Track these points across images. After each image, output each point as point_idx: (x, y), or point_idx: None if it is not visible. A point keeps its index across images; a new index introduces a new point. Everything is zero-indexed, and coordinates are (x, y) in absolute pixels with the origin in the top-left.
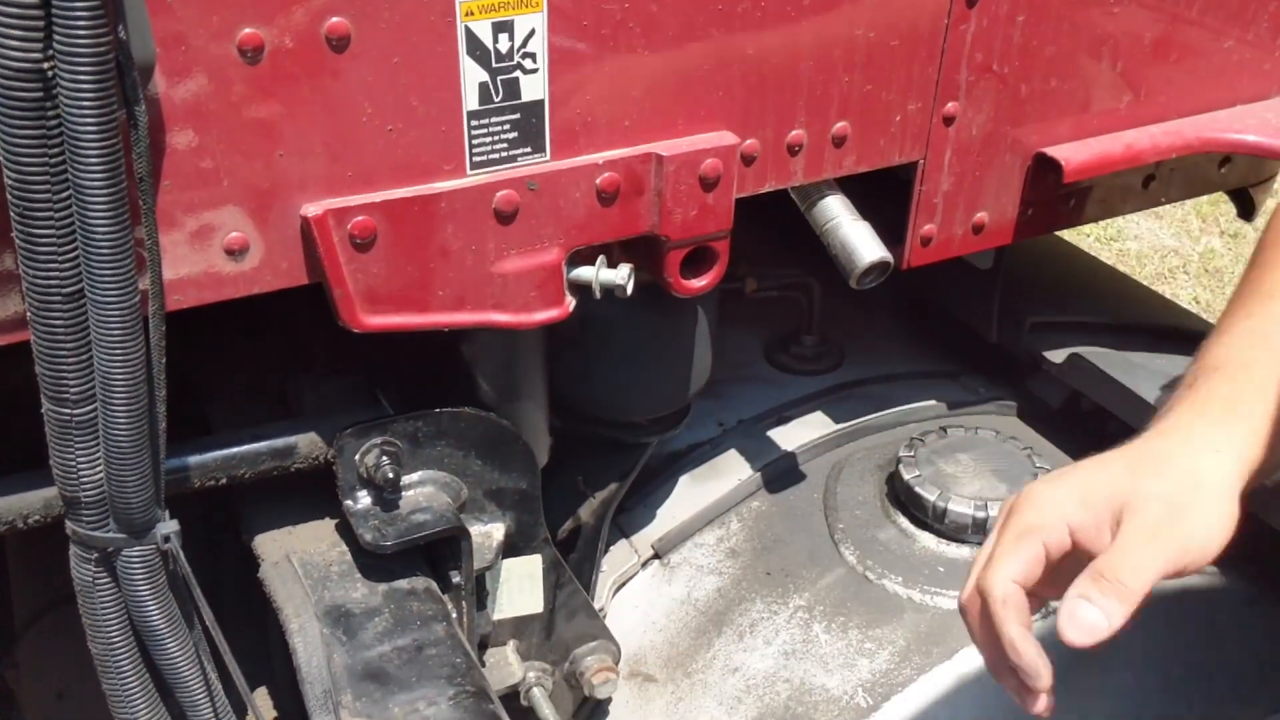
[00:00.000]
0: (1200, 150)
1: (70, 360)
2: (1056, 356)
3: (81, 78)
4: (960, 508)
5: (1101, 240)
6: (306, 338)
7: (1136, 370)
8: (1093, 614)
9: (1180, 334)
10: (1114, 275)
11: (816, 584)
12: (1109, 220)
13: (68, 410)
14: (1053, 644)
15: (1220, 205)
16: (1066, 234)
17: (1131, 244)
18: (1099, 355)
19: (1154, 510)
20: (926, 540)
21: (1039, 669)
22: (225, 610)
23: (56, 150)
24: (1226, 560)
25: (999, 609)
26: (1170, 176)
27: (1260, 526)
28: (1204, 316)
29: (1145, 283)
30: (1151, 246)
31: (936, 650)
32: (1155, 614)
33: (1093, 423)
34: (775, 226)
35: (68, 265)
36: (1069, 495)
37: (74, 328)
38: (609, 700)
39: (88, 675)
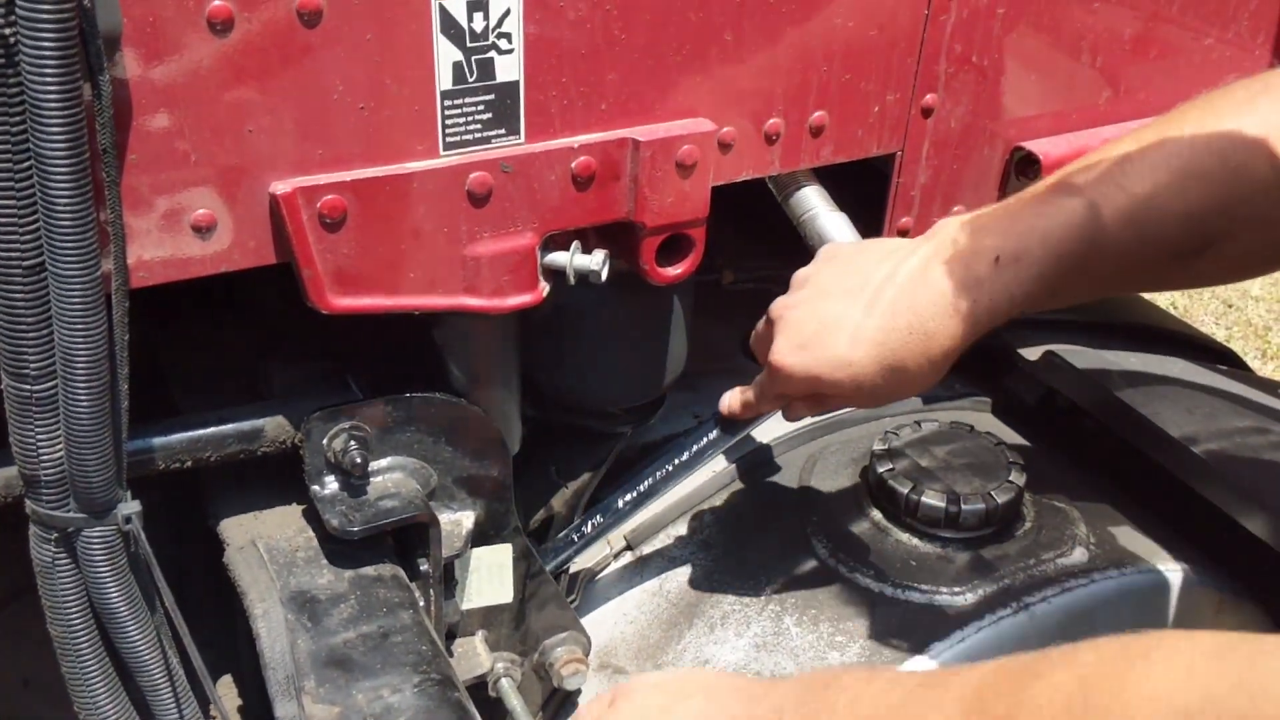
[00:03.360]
0: None
1: (30, 335)
2: (1032, 354)
3: (44, 45)
4: (932, 501)
5: None
6: (275, 320)
7: (1111, 369)
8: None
9: (1156, 334)
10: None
11: (788, 577)
12: None
13: (27, 386)
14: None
15: None
16: None
17: None
18: (1074, 353)
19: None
20: (899, 534)
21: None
22: (189, 595)
23: (18, 119)
24: (1197, 562)
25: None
26: None
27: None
28: (1180, 317)
29: None
30: None
31: (907, 644)
32: (1124, 609)
33: (1067, 420)
34: (752, 218)
35: (28, 237)
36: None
37: (34, 302)
38: (578, 692)
39: (55, 663)
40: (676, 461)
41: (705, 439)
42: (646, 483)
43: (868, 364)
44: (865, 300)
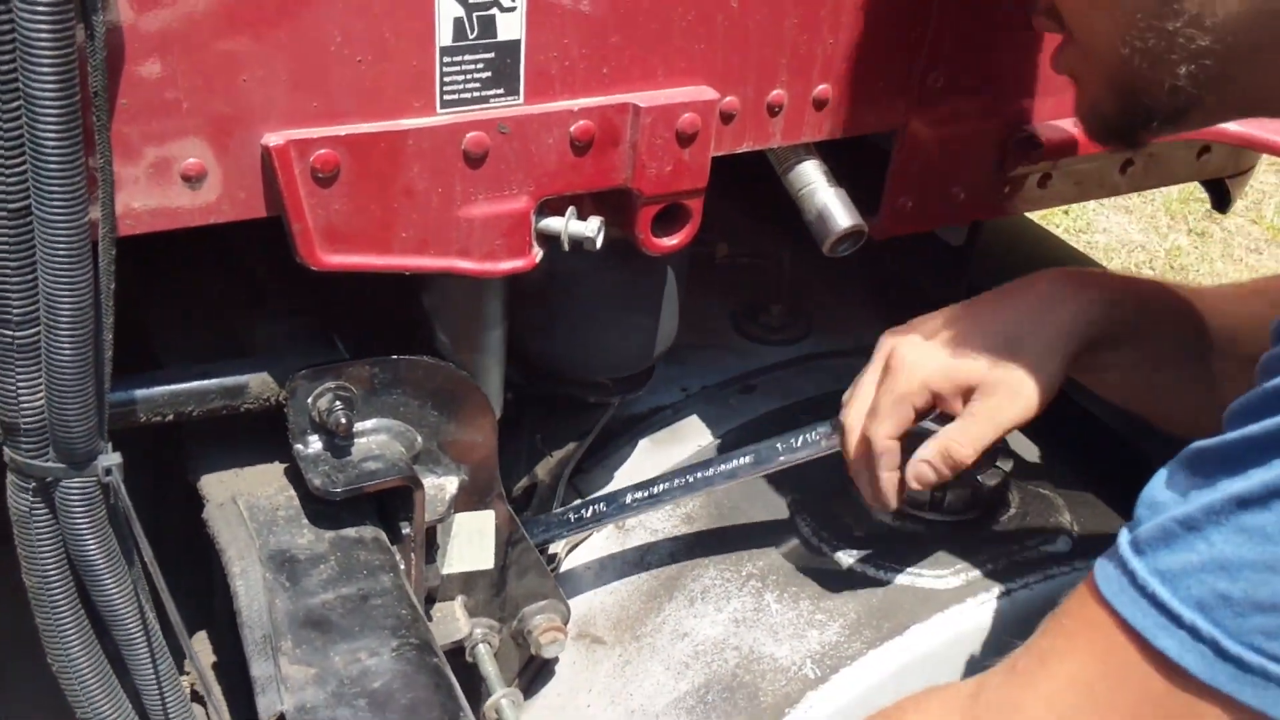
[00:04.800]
0: (1180, 137)
1: (14, 280)
2: None
3: None
4: None
5: (1071, 232)
6: (260, 275)
7: None
8: (929, 473)
9: None
10: (1084, 262)
11: (770, 553)
12: (1080, 212)
13: (9, 332)
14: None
15: (1189, 204)
16: (1038, 220)
17: (1100, 237)
18: None
19: (996, 397)
20: (883, 515)
21: (890, 505)
22: (165, 552)
23: (8, 58)
24: None
25: (880, 458)
26: (1148, 163)
27: None
28: None
29: None
30: (1120, 240)
31: (887, 625)
32: None
33: (1055, 405)
34: (749, 192)
35: (15, 179)
36: (936, 367)
37: (19, 246)
38: (555, 660)
39: (19, 611)
40: (696, 476)
41: (726, 466)
42: (661, 487)
43: None
44: None
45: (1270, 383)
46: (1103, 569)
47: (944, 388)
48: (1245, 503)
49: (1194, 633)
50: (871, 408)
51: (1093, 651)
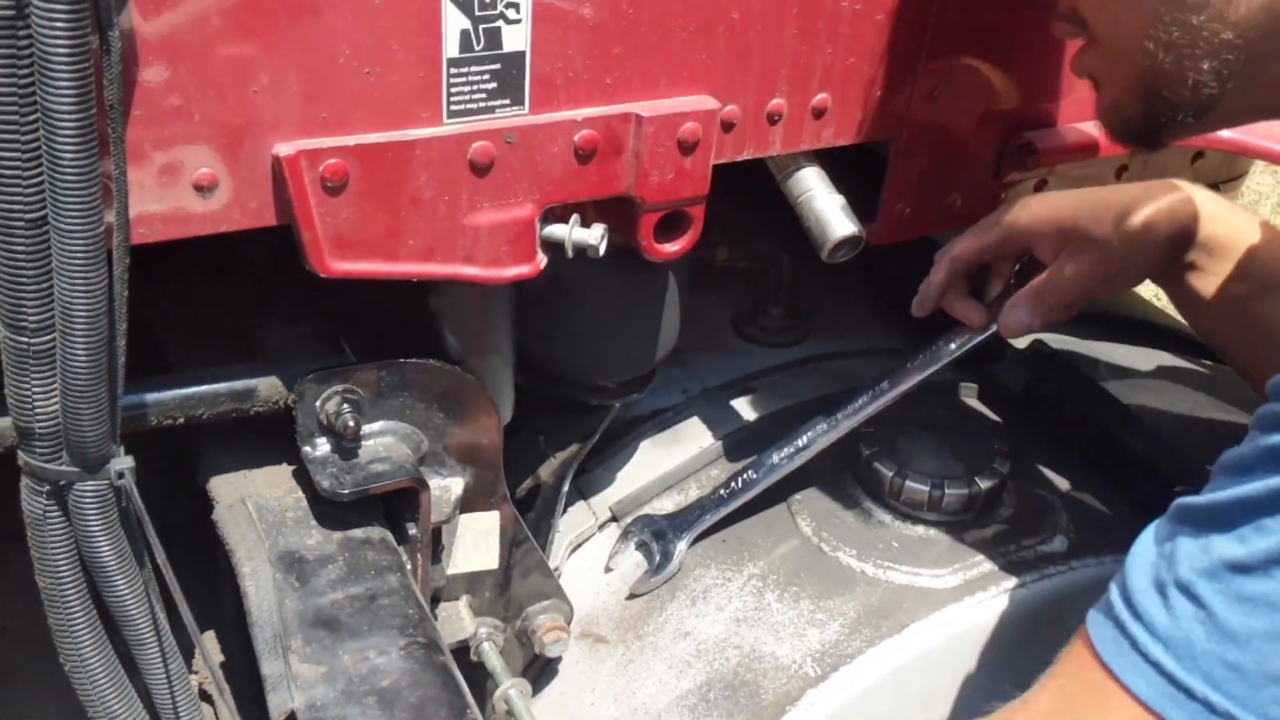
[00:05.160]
0: (1197, 142)
1: (30, 288)
2: (1019, 343)
3: None
4: (916, 484)
5: None
6: (269, 281)
7: (1096, 360)
8: (1024, 317)
9: (1141, 327)
10: None
11: (771, 553)
12: None
13: (25, 339)
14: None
15: None
16: None
17: None
18: (1061, 343)
19: (1091, 256)
20: (882, 515)
21: (918, 310)
22: (176, 553)
23: (26, 72)
24: None
25: (941, 260)
26: (1142, 168)
27: None
28: (1165, 310)
29: None
30: None
31: (887, 624)
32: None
33: (1052, 409)
34: (750, 197)
35: (32, 191)
36: (1047, 212)
37: (35, 255)
38: (559, 659)
39: (31, 612)
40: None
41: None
42: (805, 438)
43: None
44: None
45: (1266, 439)
46: (1098, 627)
47: (1044, 231)
48: (1244, 569)
49: (1208, 706)
50: (966, 232)
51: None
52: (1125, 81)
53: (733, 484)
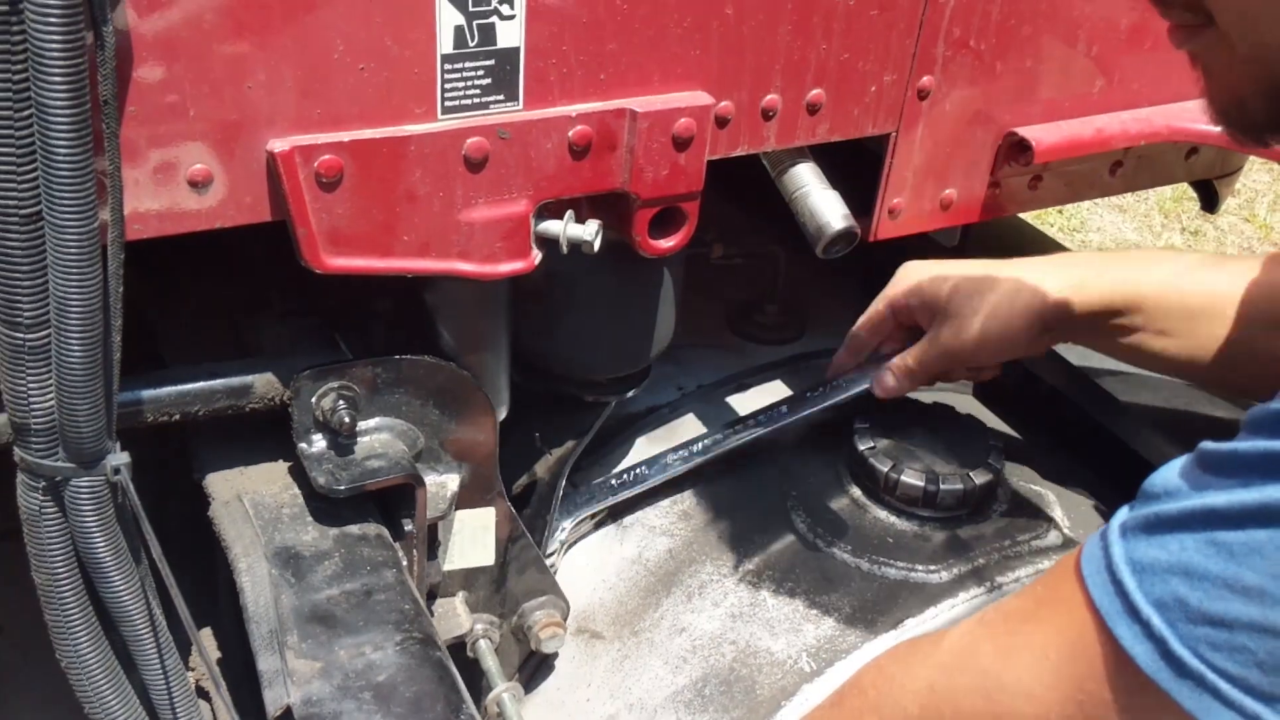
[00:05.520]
0: (1169, 139)
1: (25, 284)
2: None
3: None
4: (911, 480)
5: (1065, 231)
6: (266, 278)
7: (1092, 355)
8: (889, 382)
9: None
10: None
11: (767, 549)
12: (1075, 211)
13: (20, 335)
14: None
15: (1183, 202)
16: (1031, 220)
17: (1094, 236)
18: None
19: (950, 328)
20: (877, 511)
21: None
22: (172, 549)
23: (20, 67)
24: None
25: (847, 339)
26: (1138, 164)
27: None
28: None
29: None
30: (1113, 239)
31: (881, 620)
32: None
33: (1047, 404)
34: (744, 192)
35: (27, 186)
36: (919, 282)
37: (30, 250)
38: (555, 655)
39: (26, 609)
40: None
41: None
42: (700, 445)
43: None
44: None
45: None
46: (1090, 544)
47: (911, 304)
48: (1222, 518)
49: (1147, 627)
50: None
51: (1056, 620)
52: (1252, 83)
53: (626, 475)
